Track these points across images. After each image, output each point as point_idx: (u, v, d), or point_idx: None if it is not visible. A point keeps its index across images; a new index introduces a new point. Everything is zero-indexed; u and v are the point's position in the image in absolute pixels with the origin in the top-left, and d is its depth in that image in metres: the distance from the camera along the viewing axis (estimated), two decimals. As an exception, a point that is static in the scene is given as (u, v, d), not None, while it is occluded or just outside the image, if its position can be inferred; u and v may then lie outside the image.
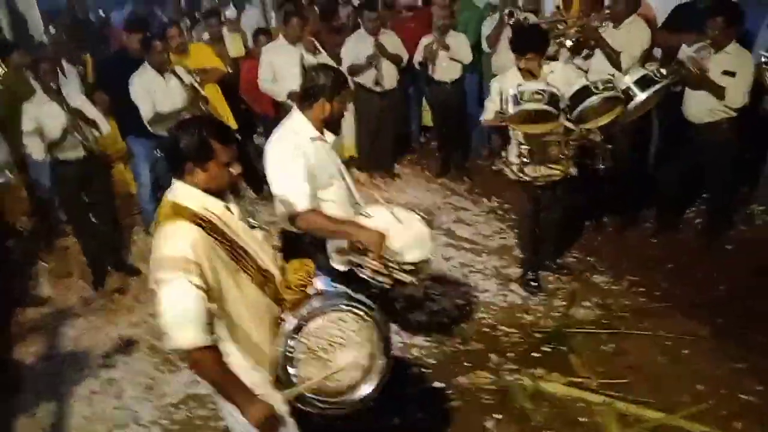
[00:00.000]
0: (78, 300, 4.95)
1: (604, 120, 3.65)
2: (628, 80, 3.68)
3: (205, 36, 6.68)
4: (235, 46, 6.55)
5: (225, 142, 2.06)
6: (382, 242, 2.60)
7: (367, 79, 6.21)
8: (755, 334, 3.65)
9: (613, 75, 3.90)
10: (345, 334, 2.20)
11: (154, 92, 4.92)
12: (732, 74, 4.14)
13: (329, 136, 2.94)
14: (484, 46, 6.25)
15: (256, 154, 6.59)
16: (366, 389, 2.24)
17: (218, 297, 2.04)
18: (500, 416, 3.25)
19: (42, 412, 3.67)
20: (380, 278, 2.72)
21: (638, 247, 4.87)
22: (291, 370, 2.14)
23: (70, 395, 3.80)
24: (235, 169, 2.12)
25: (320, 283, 2.31)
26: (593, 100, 3.54)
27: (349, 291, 2.32)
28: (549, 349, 3.73)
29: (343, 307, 2.21)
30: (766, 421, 3.02)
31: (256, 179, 6.54)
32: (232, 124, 5.70)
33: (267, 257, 2.23)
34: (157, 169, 5.79)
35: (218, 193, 2.12)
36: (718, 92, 4.16)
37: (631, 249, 4.85)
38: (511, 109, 3.54)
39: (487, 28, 6.19)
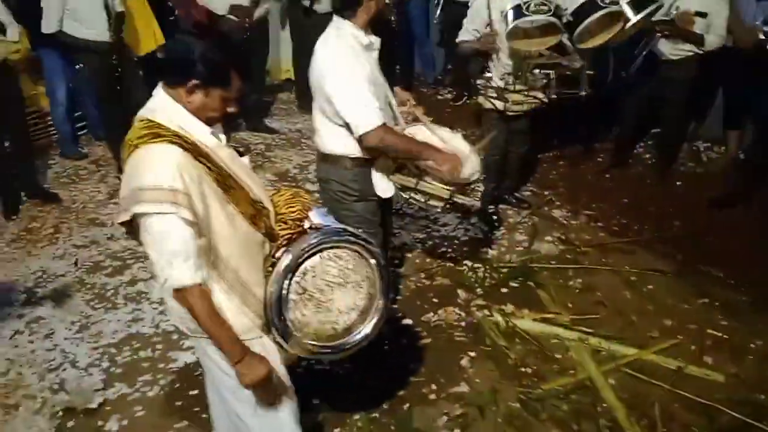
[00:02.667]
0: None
1: (601, 39, 3.48)
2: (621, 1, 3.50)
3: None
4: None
5: (241, 77, 1.78)
6: (458, 166, 2.57)
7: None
8: (715, 269, 3.69)
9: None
10: (343, 272, 1.96)
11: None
12: (704, 15, 4.10)
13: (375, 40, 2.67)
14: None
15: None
16: (364, 331, 2.02)
17: (207, 230, 1.74)
18: (474, 354, 3.12)
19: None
20: (434, 202, 2.64)
21: (593, 182, 4.83)
22: (285, 314, 1.88)
23: (-12, 336, 3.35)
24: (232, 108, 1.82)
25: (316, 216, 2.03)
26: (598, 14, 3.35)
27: (347, 226, 2.07)
28: (516, 285, 3.62)
29: (342, 243, 1.96)
30: (736, 355, 3.06)
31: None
32: (160, 37, 5.10)
33: (258, 188, 1.92)
34: (75, 85, 5.19)
35: (205, 122, 1.79)
36: (699, 41, 4.13)
37: (586, 183, 4.81)
38: (510, 23, 3.26)
39: None
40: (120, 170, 4.98)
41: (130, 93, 4.60)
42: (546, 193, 4.67)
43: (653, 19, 3.58)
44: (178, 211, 1.63)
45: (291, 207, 1.99)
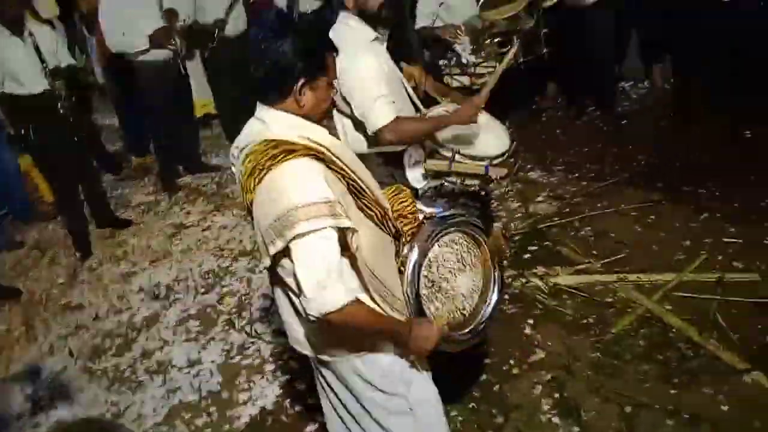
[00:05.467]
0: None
1: None
2: None
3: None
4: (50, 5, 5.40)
5: (333, 53, 1.67)
6: (478, 110, 2.57)
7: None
8: (698, 187, 3.94)
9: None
10: (460, 256, 1.99)
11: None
12: None
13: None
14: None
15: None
16: (492, 301, 2.07)
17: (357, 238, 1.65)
18: (532, 321, 3.15)
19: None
20: (470, 181, 2.63)
21: (549, 139, 5.05)
22: (425, 311, 1.85)
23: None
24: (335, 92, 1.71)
25: (421, 205, 2.00)
26: None
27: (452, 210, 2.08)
28: (535, 248, 3.70)
29: (456, 227, 1.98)
30: (757, 256, 3.24)
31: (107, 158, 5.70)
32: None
33: (377, 187, 1.82)
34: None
35: (319, 119, 1.68)
36: None
37: (543, 142, 5.00)
38: None
39: None
40: (78, 246, 4.57)
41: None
42: (511, 160, 4.78)
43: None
44: (337, 222, 1.52)
45: (402, 201, 1.95)
